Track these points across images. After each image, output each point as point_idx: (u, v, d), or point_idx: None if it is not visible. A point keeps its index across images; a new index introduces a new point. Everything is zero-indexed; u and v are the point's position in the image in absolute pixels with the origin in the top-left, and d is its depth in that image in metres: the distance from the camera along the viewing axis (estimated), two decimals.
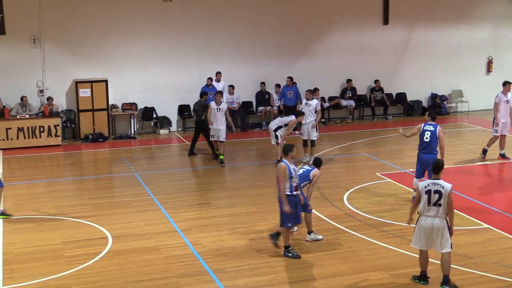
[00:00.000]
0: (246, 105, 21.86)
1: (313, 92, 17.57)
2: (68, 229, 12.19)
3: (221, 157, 16.86)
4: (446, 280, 9.44)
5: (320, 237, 11.49)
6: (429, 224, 9.35)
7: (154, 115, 21.08)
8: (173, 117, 21.40)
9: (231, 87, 21.17)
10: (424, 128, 13.16)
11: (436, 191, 9.24)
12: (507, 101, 16.68)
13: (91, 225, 12.37)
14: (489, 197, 14.21)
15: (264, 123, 21.20)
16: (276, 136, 16.45)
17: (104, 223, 12.43)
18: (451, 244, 9.40)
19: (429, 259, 9.68)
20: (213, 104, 16.88)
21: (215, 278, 9.97)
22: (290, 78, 20.87)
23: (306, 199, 11.33)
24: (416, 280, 9.72)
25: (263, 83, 21.74)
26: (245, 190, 14.70)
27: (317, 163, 11.81)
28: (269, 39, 21.92)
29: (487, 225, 12.09)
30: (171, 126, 21.34)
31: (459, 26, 23.84)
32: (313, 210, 11.66)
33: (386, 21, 23.01)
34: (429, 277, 9.69)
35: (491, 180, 16.09)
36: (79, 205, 13.72)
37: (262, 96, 21.76)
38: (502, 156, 16.96)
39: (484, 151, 16.96)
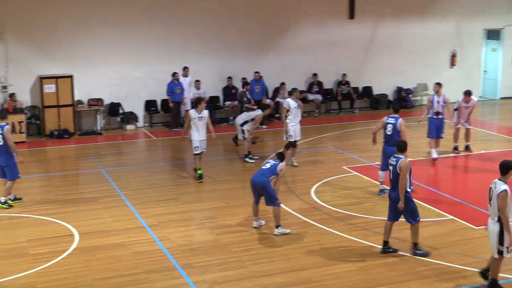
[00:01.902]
0: (213, 99, 21.82)
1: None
2: (34, 227, 12.05)
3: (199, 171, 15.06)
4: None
5: (288, 231, 11.55)
6: (489, 224, 9.17)
7: (121, 111, 20.92)
8: (140, 112, 21.26)
9: (198, 81, 21.13)
10: (387, 121, 13.27)
11: (490, 189, 9.06)
12: (467, 107, 16.96)
13: (57, 222, 12.24)
14: (453, 189, 14.44)
15: (231, 118, 21.20)
16: (243, 131, 16.46)
17: (71, 220, 12.31)
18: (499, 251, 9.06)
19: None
20: (193, 112, 14.68)
21: (183, 274, 9.96)
22: (257, 73, 20.93)
23: (274, 192, 11.37)
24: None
25: (230, 77, 21.72)
26: (213, 185, 14.69)
27: (282, 157, 11.86)
28: (236, 34, 21.90)
29: (452, 217, 12.28)
30: (138, 122, 21.21)
31: (424, 20, 24.11)
32: (281, 204, 11.70)
33: (352, 16, 23.15)
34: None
35: (455, 172, 16.34)
36: (44, 202, 13.56)
37: (229, 91, 21.75)
38: (467, 148, 17.26)
39: (466, 147, 17.28)
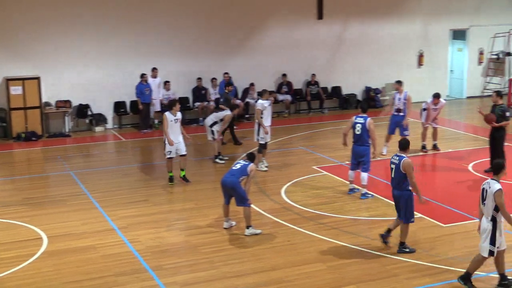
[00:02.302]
0: (182, 100, 21.74)
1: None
2: (1, 231, 11.87)
3: (183, 173, 14.75)
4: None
5: (259, 231, 11.56)
6: (482, 223, 9.16)
7: (89, 113, 20.74)
8: (109, 114, 21.11)
9: (167, 83, 21.05)
10: (355, 120, 13.38)
11: (483, 189, 9.14)
12: (435, 109, 17.17)
13: (25, 225, 12.09)
14: (421, 187, 14.52)
15: (201, 118, 21.15)
16: (212, 132, 16.43)
17: (39, 223, 12.17)
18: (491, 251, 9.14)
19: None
20: (168, 115, 14.29)
21: (154, 276, 9.91)
22: (227, 74, 20.92)
23: (244, 193, 11.37)
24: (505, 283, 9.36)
25: (199, 78, 21.68)
26: (183, 186, 14.64)
27: (252, 157, 11.86)
28: (205, 35, 21.86)
29: (420, 215, 12.40)
30: (107, 123, 21.04)
31: (392, 21, 24.35)
32: (252, 205, 11.71)
33: (320, 16, 23.28)
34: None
35: (423, 170, 16.51)
36: (12, 205, 13.37)
37: (199, 92, 21.70)
38: (434, 147, 17.48)
39: (434, 145, 17.49)
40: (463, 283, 9.29)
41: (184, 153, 14.58)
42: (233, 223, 11.94)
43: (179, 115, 14.44)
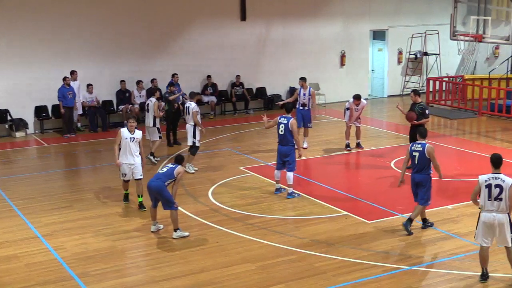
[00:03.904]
0: (106, 104, 21.41)
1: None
2: None
3: (140, 199, 13.04)
4: None
5: (187, 233, 11.52)
6: (491, 219, 9.25)
7: (9, 117, 20.12)
8: (30, 119, 20.53)
9: (90, 86, 20.68)
10: (279, 121, 13.52)
11: (497, 185, 9.15)
12: (357, 109, 17.53)
13: None
14: (346, 185, 14.86)
15: (125, 122, 20.85)
16: (158, 130, 16.70)
17: None
18: None
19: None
20: (124, 132, 12.78)
21: (80, 283, 9.72)
22: (176, 75, 20.38)
23: (171, 197, 11.30)
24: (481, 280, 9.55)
25: (123, 81, 21.38)
26: (108, 190, 14.40)
27: (180, 160, 11.77)
28: (128, 37, 21.58)
29: (346, 212, 12.64)
30: (28, 129, 20.45)
31: (314, 22, 24.70)
32: (179, 207, 11.64)
33: (244, 17, 23.39)
34: (488, 276, 9.58)
35: (348, 168, 16.84)
36: None
37: (123, 95, 21.40)
38: (357, 145, 17.84)
39: (357, 144, 17.83)
40: None
41: (139, 177, 12.87)
42: (161, 226, 11.84)
43: (137, 133, 12.85)
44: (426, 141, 11.55)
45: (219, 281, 9.76)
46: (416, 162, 11.34)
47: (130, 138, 12.74)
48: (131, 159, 12.80)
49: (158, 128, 16.65)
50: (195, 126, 15.38)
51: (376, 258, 10.46)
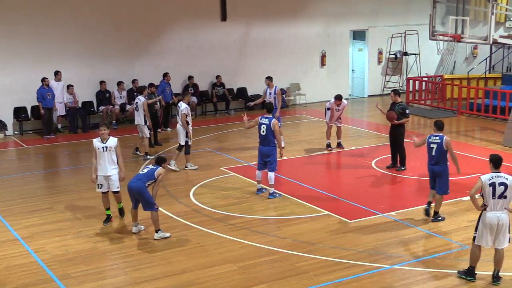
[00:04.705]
0: (86, 105, 21.28)
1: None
2: None
3: (120, 205, 12.37)
4: (498, 275, 9.48)
5: (168, 234, 11.49)
6: (495, 221, 9.20)
7: None
8: (9, 120, 20.34)
9: (71, 87, 20.55)
10: (261, 121, 13.53)
11: (501, 183, 9.14)
12: (338, 110, 17.60)
13: None
14: (327, 185, 14.91)
15: (114, 122, 20.88)
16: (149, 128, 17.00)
17: None
18: (510, 239, 9.39)
19: None
20: (96, 142, 11.74)
21: (61, 285, 9.65)
22: (168, 74, 20.89)
23: (151, 198, 11.26)
24: (463, 276, 9.56)
25: (103, 81, 21.27)
26: (89, 192, 14.26)
27: (161, 161, 11.71)
28: (110, 38, 21.48)
29: (327, 212, 12.68)
30: (7, 130, 20.27)
31: (295, 22, 24.75)
32: (160, 208, 11.61)
33: (224, 18, 23.37)
34: (476, 274, 9.59)
35: (329, 168, 16.89)
36: None
37: (103, 95, 21.29)
38: (338, 145, 17.90)
39: (338, 144, 17.88)
40: (496, 281, 9.43)
41: (115, 189, 11.99)
42: (142, 227, 11.80)
43: (111, 141, 11.79)
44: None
45: (201, 281, 9.74)
46: (433, 154, 11.72)
47: (103, 147, 11.68)
48: (106, 170, 11.76)
49: (148, 125, 16.87)
50: (188, 125, 15.53)
51: (358, 257, 10.51)
